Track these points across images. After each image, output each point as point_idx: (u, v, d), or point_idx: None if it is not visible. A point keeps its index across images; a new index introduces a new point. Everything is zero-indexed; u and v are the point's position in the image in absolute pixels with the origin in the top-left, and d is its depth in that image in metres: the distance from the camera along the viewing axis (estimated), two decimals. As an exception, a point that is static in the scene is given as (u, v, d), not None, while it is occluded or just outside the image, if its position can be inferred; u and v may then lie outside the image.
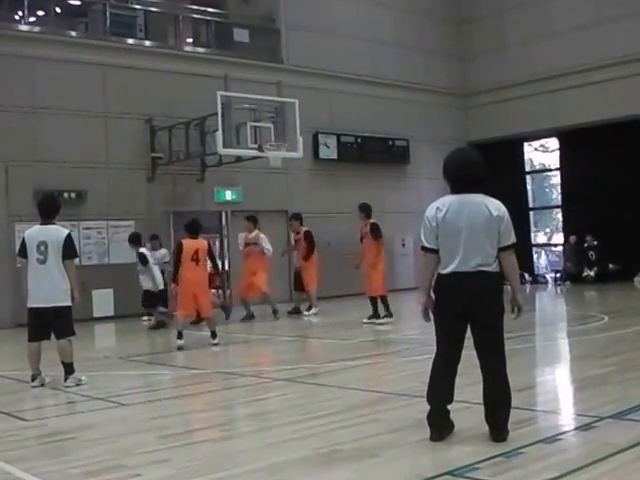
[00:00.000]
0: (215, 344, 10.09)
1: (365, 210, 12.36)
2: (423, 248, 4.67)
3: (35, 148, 14.70)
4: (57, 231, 7.40)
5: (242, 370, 7.93)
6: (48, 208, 7.52)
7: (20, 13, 15.33)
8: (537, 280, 20.91)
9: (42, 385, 7.40)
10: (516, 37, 20.75)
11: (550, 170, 22.74)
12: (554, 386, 7.03)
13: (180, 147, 15.68)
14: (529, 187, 22.19)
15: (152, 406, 6.54)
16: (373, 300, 12.12)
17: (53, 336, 7.38)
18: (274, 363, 8.51)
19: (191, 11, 18.35)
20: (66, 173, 14.84)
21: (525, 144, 22.13)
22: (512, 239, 4.58)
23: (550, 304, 16.82)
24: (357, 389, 6.79)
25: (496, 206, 4.58)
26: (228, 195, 17.13)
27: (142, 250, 13.22)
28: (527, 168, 22.40)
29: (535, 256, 22.33)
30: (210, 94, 14.09)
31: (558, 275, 20.48)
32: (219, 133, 13.84)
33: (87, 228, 15.11)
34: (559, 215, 22.01)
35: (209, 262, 10.71)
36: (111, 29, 16.10)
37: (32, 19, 15.58)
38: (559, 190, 21.72)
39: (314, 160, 18.51)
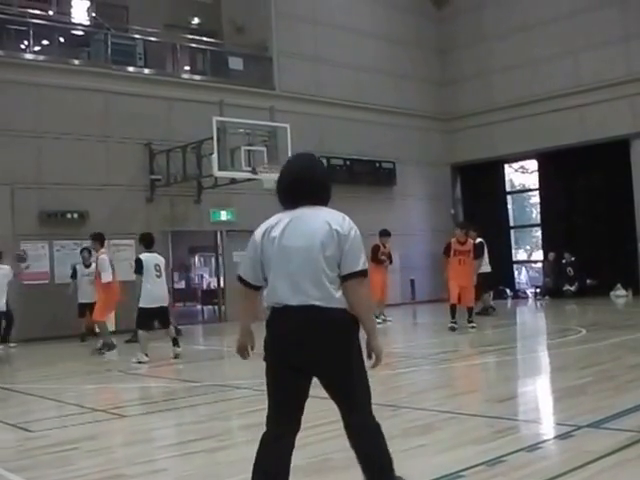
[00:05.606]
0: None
1: None
2: (239, 278, 3.61)
3: (40, 171, 15.21)
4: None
5: (237, 382, 8.05)
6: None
7: (26, 42, 15.85)
8: (518, 295, 21.52)
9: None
10: (497, 64, 21.33)
11: (530, 190, 23.16)
12: (534, 396, 7.16)
13: (177, 169, 16.16)
14: (510, 207, 22.65)
15: (151, 417, 6.70)
16: None
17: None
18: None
19: (188, 40, 19.02)
20: (69, 194, 15.36)
21: (506, 166, 22.64)
22: (360, 265, 3.38)
23: (530, 318, 16.94)
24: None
25: (339, 221, 3.42)
26: (223, 215, 17.62)
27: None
28: (508, 188, 22.87)
29: (516, 272, 22.73)
30: (206, 119, 14.62)
31: (538, 290, 21.01)
32: (215, 156, 14.26)
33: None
34: (538, 233, 22.38)
35: None
36: (112, 58, 16.64)
37: (37, 48, 16.09)
38: (538, 209, 22.20)
39: (305, 182, 19.02)
